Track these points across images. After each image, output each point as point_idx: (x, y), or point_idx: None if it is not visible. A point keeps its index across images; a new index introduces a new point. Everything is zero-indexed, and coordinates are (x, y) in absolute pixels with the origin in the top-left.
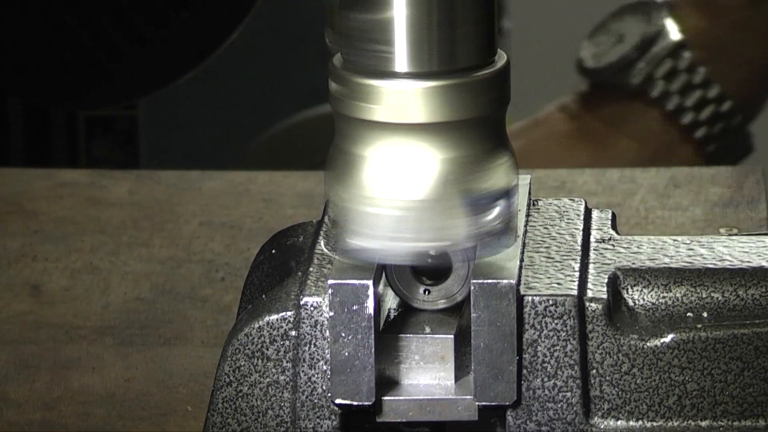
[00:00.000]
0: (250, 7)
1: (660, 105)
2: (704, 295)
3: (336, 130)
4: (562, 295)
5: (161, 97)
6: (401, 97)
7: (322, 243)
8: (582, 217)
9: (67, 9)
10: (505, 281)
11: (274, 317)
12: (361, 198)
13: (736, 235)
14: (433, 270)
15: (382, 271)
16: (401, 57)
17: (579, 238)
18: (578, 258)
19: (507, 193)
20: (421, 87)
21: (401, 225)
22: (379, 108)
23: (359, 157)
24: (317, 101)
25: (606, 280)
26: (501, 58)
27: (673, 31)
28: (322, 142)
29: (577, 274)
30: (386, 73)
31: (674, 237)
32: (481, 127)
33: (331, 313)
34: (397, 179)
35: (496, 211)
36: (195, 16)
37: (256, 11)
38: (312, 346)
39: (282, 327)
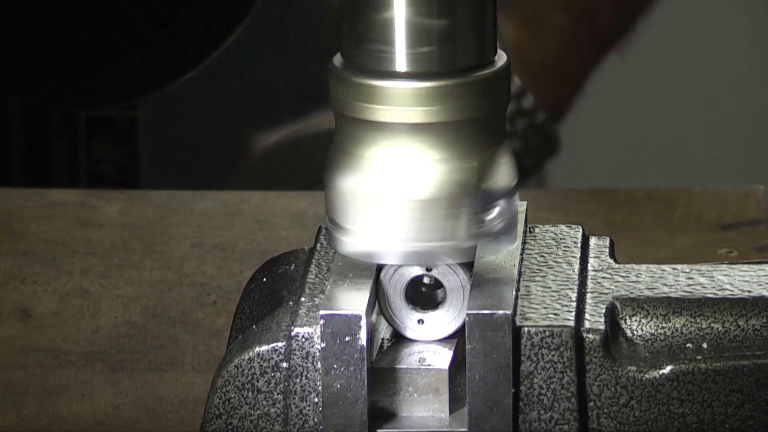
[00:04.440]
0: (250, 7)
1: None
2: (704, 326)
3: (336, 130)
4: (558, 326)
5: (161, 97)
6: (401, 97)
7: (314, 270)
8: (579, 245)
9: (67, 9)
10: (500, 312)
11: (264, 348)
12: (361, 198)
13: (733, 257)
14: (426, 299)
15: (374, 300)
16: (401, 57)
17: (576, 267)
18: (575, 287)
19: (507, 193)
20: (421, 87)
21: (401, 225)
22: (378, 108)
23: (359, 156)
24: (317, 101)
25: (604, 311)
26: (501, 58)
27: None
28: (316, 162)
29: (574, 304)
30: (386, 73)
31: (673, 266)
32: (481, 126)
33: (323, 345)
34: (397, 179)
35: (496, 210)
36: (195, 16)
37: (256, 11)
38: (303, 377)
39: (273, 358)
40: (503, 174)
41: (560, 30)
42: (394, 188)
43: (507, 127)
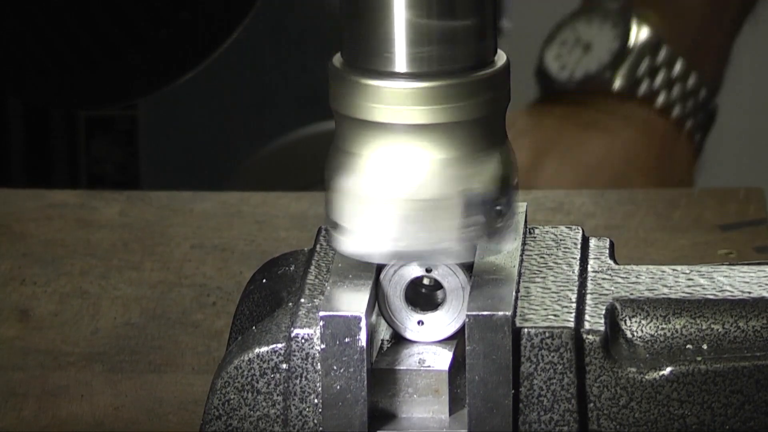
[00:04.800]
0: (250, 7)
1: (649, 103)
2: (704, 327)
3: (336, 130)
4: (558, 327)
5: (161, 97)
6: (401, 97)
7: (314, 271)
8: (579, 246)
9: (67, 9)
10: (500, 313)
11: (264, 349)
12: (360, 198)
13: (733, 258)
14: (426, 300)
15: (374, 301)
16: (401, 57)
17: (576, 268)
18: (575, 288)
19: (507, 194)
20: (421, 87)
21: (401, 225)
22: (378, 108)
23: (359, 156)
24: (317, 102)
25: (604, 312)
26: (501, 58)
27: (643, 32)
28: (316, 162)
29: (574, 305)
30: (385, 73)
31: (673, 267)
32: (481, 126)
33: (323, 346)
34: (397, 179)
35: (496, 211)
36: (195, 16)
37: (256, 11)
38: (303, 379)
39: (272, 359)
40: (503, 174)
41: (697, 10)
42: (393, 188)
43: (680, 108)
